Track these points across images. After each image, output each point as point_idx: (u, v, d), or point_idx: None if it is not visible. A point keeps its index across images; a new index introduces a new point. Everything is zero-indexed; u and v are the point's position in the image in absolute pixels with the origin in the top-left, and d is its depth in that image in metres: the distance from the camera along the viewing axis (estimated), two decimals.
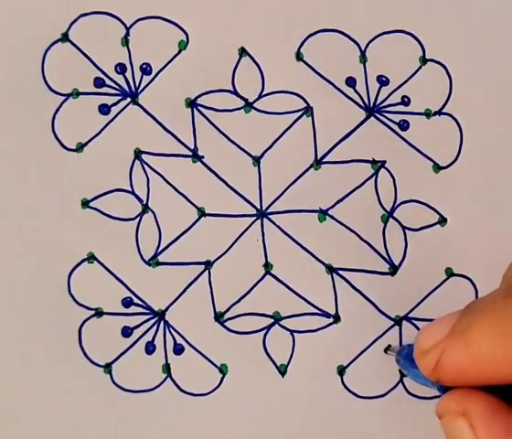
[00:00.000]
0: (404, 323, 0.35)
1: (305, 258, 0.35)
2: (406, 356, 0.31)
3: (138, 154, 0.35)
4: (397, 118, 0.35)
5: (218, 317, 0.35)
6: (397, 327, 0.35)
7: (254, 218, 0.35)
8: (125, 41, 0.35)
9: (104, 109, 0.35)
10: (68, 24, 0.35)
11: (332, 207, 0.35)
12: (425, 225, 0.35)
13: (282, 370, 0.35)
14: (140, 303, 0.35)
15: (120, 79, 0.35)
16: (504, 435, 0.25)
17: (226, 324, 0.35)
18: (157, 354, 0.35)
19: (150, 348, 0.35)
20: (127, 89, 0.35)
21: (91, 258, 0.35)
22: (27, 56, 0.35)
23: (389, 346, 0.35)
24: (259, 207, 0.35)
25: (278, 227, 0.35)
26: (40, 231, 0.34)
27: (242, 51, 0.35)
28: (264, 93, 0.35)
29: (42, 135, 0.35)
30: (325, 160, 0.35)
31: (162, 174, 0.35)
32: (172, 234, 0.35)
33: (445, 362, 0.26)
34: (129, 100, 0.35)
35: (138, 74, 0.35)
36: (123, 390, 0.35)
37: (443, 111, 0.35)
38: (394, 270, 0.35)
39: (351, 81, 0.35)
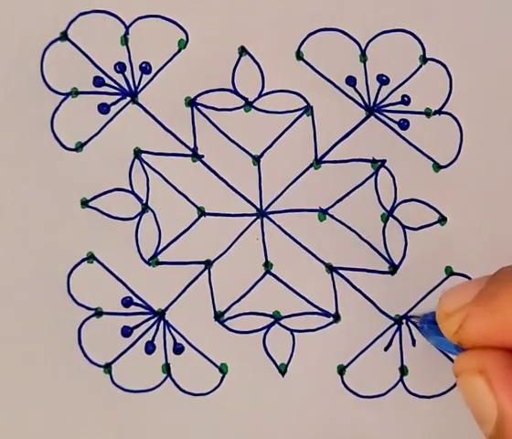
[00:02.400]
0: (404, 322, 0.35)
1: (305, 257, 0.35)
2: (429, 322, 0.31)
3: (138, 153, 0.35)
4: (397, 117, 0.35)
5: (218, 317, 0.35)
6: (397, 326, 0.35)
7: (254, 217, 0.35)
8: (125, 40, 0.35)
9: (104, 108, 0.35)
10: (67, 23, 0.35)
11: (332, 206, 0.35)
12: (425, 224, 0.35)
13: (283, 370, 0.35)
14: (140, 302, 0.35)
15: (119, 78, 0.35)
16: None
17: (226, 323, 0.35)
18: (157, 354, 0.35)
19: (150, 348, 0.35)
20: (127, 88, 0.35)
21: (91, 258, 0.35)
22: (27, 55, 0.34)
23: (412, 315, 0.35)
24: (259, 206, 0.35)
25: (278, 226, 0.35)
26: (40, 231, 0.34)
27: (242, 50, 0.35)
28: (264, 92, 0.35)
29: (41, 135, 0.34)
30: (325, 159, 0.35)
31: (162, 173, 0.35)
32: (172, 234, 0.35)
33: (469, 327, 0.26)
34: (128, 99, 0.35)
35: (138, 73, 0.35)
36: (123, 390, 0.34)
37: (444, 110, 0.35)
38: (394, 269, 0.35)
39: (351, 80, 0.35)
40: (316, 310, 0.35)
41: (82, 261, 0.35)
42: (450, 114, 0.35)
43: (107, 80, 0.35)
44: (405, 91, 0.35)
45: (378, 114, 0.35)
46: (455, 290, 0.27)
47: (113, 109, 0.35)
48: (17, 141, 0.34)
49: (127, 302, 0.35)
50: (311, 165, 0.35)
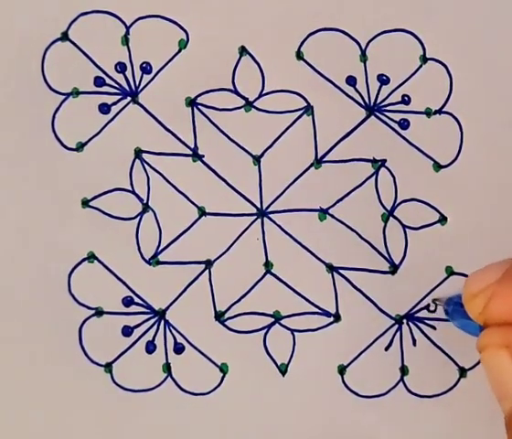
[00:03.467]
0: (404, 322, 0.35)
1: (306, 257, 0.35)
2: (455, 304, 0.31)
3: (138, 153, 0.35)
4: (397, 117, 0.35)
5: (219, 317, 0.35)
6: (397, 326, 0.35)
7: (254, 217, 0.35)
8: (125, 40, 0.35)
9: (104, 108, 0.35)
10: (68, 23, 0.35)
11: (332, 206, 0.35)
12: (425, 224, 0.35)
13: (283, 370, 0.35)
14: (140, 302, 0.35)
15: (120, 78, 0.35)
16: None
17: (226, 323, 0.35)
18: (158, 353, 0.35)
19: (150, 348, 0.35)
20: (127, 88, 0.35)
21: (92, 257, 0.35)
22: (27, 55, 0.35)
23: (436, 299, 0.35)
24: (259, 206, 0.35)
25: (278, 226, 0.35)
26: (40, 231, 0.34)
27: (243, 50, 0.35)
28: (265, 92, 0.35)
29: (42, 135, 0.35)
30: (325, 159, 0.35)
31: (162, 173, 0.35)
32: (172, 233, 0.35)
33: (495, 305, 0.27)
34: (129, 99, 0.35)
35: (138, 73, 0.35)
36: (124, 389, 0.34)
37: (444, 109, 0.35)
38: (394, 269, 0.35)
39: (351, 80, 0.35)
40: (317, 310, 0.35)
41: (83, 260, 0.35)
42: (450, 114, 0.35)
43: (108, 80, 0.35)
44: (405, 91, 0.35)
45: (378, 114, 0.35)
46: (480, 272, 0.28)
47: (114, 109, 0.35)
48: (18, 141, 0.34)
49: (128, 301, 0.35)
50: (311, 165, 0.35)
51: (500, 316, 0.27)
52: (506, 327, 0.27)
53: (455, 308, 0.31)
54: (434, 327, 0.35)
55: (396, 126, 0.35)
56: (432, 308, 0.35)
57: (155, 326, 0.35)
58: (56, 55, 0.35)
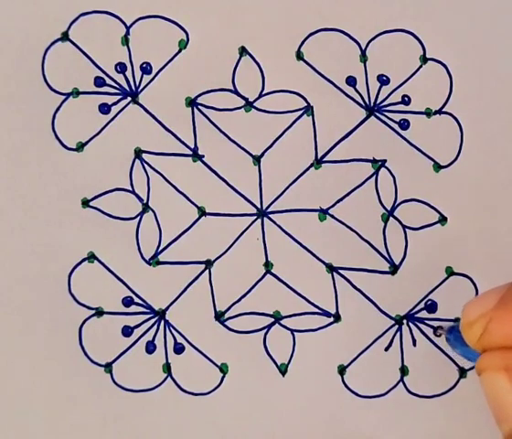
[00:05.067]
0: (404, 322, 0.35)
1: (306, 257, 0.35)
2: (456, 332, 0.31)
3: (138, 153, 0.35)
4: (397, 117, 0.35)
5: (219, 317, 0.35)
6: (397, 327, 0.35)
7: (254, 217, 0.35)
8: (125, 40, 0.35)
9: (104, 108, 0.35)
10: (68, 23, 0.35)
11: (332, 206, 0.35)
12: (425, 224, 0.35)
13: (283, 370, 0.35)
14: (140, 302, 0.35)
15: (120, 78, 0.35)
16: None
17: (226, 323, 0.35)
18: (158, 353, 0.35)
19: (150, 348, 0.35)
20: (127, 88, 0.35)
21: (92, 257, 0.35)
22: (28, 55, 0.35)
23: (439, 327, 0.35)
24: (259, 206, 0.35)
25: (278, 226, 0.35)
26: (40, 231, 0.34)
27: (243, 50, 0.35)
28: (265, 93, 0.35)
29: (42, 135, 0.35)
30: (325, 159, 0.35)
31: (162, 173, 0.35)
32: (172, 233, 0.35)
33: (493, 329, 0.27)
34: (129, 99, 0.35)
35: (138, 73, 0.35)
36: (124, 389, 0.35)
37: (444, 110, 0.35)
38: (394, 269, 0.35)
39: (351, 81, 0.35)
40: (317, 310, 0.35)
41: (83, 260, 0.35)
42: (450, 114, 0.35)
43: (108, 81, 0.35)
44: (405, 91, 0.35)
45: (378, 114, 0.35)
46: (477, 299, 0.28)
47: (114, 109, 0.35)
48: (18, 141, 0.34)
49: (128, 301, 0.35)
50: (311, 165, 0.35)
51: (498, 341, 0.27)
52: (505, 351, 0.27)
53: (456, 336, 0.31)
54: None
55: (396, 126, 0.35)
56: (438, 334, 0.35)
57: (155, 327, 0.35)
58: (56, 55, 0.35)
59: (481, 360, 0.27)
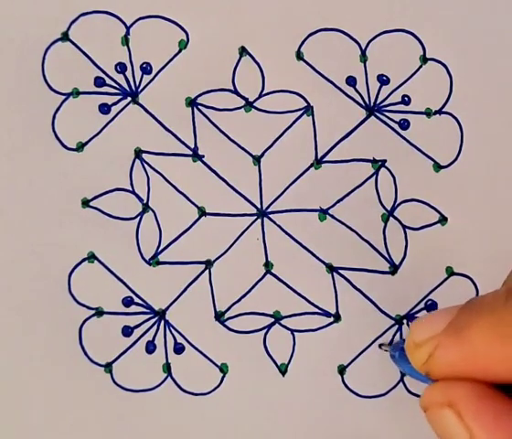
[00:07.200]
0: (405, 322, 0.35)
1: (306, 257, 0.35)
2: (401, 350, 0.31)
3: (138, 153, 0.35)
4: (397, 117, 0.35)
5: (219, 317, 0.35)
6: (397, 326, 0.35)
7: (254, 217, 0.35)
8: (125, 40, 0.35)
9: (104, 108, 0.35)
10: (68, 23, 0.35)
11: (332, 206, 0.35)
12: (426, 224, 0.35)
13: (283, 370, 0.35)
14: (140, 302, 0.35)
15: (120, 78, 0.35)
16: (493, 420, 0.24)
17: (226, 323, 0.35)
18: (158, 353, 0.35)
19: (150, 348, 0.35)
20: (127, 88, 0.35)
21: (92, 257, 0.35)
22: (28, 55, 0.35)
23: (382, 344, 0.35)
24: (259, 206, 0.35)
25: (278, 226, 0.35)
26: (40, 231, 0.34)
27: (243, 50, 0.35)
28: (265, 93, 0.35)
29: (42, 135, 0.35)
30: (325, 159, 0.35)
31: (162, 173, 0.35)
32: (172, 233, 0.35)
33: (439, 357, 0.25)
34: (129, 99, 0.35)
35: (138, 73, 0.35)
36: (124, 389, 0.34)
37: (444, 110, 0.35)
38: (394, 269, 0.35)
39: (351, 81, 0.35)
40: (317, 310, 0.35)
41: (83, 260, 0.35)
42: (450, 114, 0.35)
43: (108, 81, 0.35)
44: (405, 91, 0.35)
45: (378, 114, 0.35)
46: (426, 319, 0.26)
47: (114, 109, 0.35)
48: (18, 141, 0.34)
49: (128, 301, 0.35)
50: (311, 165, 0.35)
51: (444, 369, 0.25)
52: (449, 384, 0.25)
53: (401, 354, 0.31)
54: None
55: (396, 126, 0.35)
56: (383, 349, 0.34)
57: (155, 327, 0.35)
58: (56, 55, 0.35)
59: (423, 398, 0.26)
